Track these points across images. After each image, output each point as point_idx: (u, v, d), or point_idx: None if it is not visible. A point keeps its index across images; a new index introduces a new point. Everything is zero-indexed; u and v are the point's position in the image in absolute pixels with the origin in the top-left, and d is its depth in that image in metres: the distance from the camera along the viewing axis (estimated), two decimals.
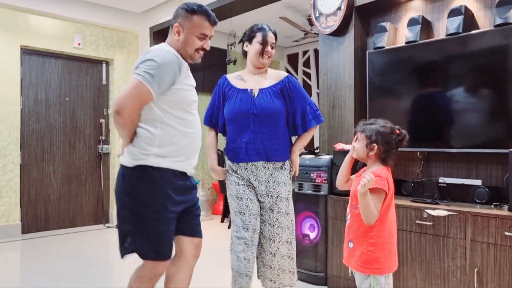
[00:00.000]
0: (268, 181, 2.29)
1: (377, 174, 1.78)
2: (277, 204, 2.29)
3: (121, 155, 1.91)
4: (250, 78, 2.36)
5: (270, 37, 2.31)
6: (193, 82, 1.97)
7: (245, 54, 2.39)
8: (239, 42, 2.44)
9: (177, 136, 1.84)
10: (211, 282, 3.28)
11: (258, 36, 2.30)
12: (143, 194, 1.78)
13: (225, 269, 3.63)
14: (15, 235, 4.70)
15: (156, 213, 1.79)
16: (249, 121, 2.26)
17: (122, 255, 1.87)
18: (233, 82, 2.38)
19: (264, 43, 2.29)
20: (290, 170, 2.36)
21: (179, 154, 1.85)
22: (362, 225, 1.80)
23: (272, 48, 2.33)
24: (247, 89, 2.31)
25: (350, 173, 2.03)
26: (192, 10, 1.88)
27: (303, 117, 2.33)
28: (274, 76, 2.37)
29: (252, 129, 2.25)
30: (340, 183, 2.05)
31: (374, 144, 1.85)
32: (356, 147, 1.91)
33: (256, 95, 2.28)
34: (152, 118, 1.81)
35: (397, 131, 1.89)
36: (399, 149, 1.83)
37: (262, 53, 2.29)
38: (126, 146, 1.85)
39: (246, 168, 2.29)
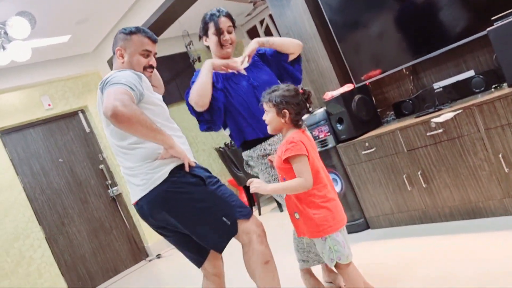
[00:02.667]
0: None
1: (290, 140, 1.73)
2: None
3: (162, 157, 1.82)
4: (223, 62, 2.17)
5: (223, 22, 2.13)
6: (158, 96, 1.96)
7: (209, 49, 2.25)
8: (199, 39, 2.27)
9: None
10: None
11: (211, 27, 2.14)
12: (189, 190, 1.82)
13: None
14: None
15: (213, 185, 1.86)
16: (253, 98, 2.09)
17: (223, 248, 1.90)
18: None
19: (218, 32, 2.12)
20: None
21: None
22: (297, 193, 1.76)
23: (230, 33, 2.15)
24: (234, 73, 2.15)
25: None
26: (130, 32, 1.93)
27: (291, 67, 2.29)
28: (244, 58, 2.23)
29: (257, 100, 2.06)
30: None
31: (285, 110, 1.77)
32: (268, 119, 1.82)
33: (246, 73, 2.15)
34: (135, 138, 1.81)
35: (301, 91, 1.83)
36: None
37: (220, 43, 2.14)
38: (164, 141, 1.76)
39: (271, 144, 2.10)
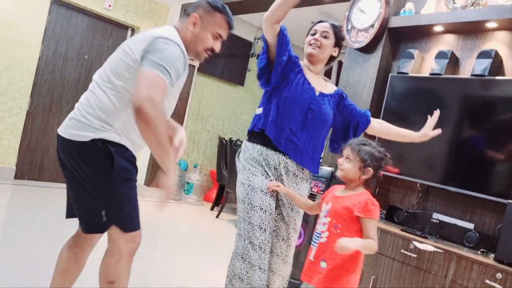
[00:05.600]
0: (296, 178, 2.06)
1: (373, 202, 1.72)
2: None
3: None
4: (309, 74, 2.10)
5: (322, 26, 2.08)
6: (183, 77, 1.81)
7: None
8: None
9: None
10: (193, 268, 3.29)
11: (311, 27, 2.13)
12: (105, 166, 1.65)
13: (207, 257, 3.65)
14: (7, 178, 4.73)
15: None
16: (303, 113, 2.01)
17: (83, 231, 1.76)
18: (302, 67, 2.11)
19: (311, 32, 2.10)
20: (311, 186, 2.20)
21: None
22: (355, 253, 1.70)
23: (324, 37, 2.05)
24: (310, 83, 2.07)
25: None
26: (216, 7, 1.79)
27: (354, 131, 2.19)
28: (330, 86, 2.18)
29: (303, 123, 2.01)
30: (308, 210, 2.01)
31: (369, 168, 1.75)
32: (345, 167, 1.78)
33: (317, 94, 2.07)
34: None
35: (385, 155, 1.81)
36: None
37: (309, 41, 2.08)
38: (163, 163, 1.55)
39: (279, 160, 2.00)
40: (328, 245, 1.75)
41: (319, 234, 1.80)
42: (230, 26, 1.84)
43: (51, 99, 5.02)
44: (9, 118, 4.68)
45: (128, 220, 1.67)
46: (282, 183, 2.02)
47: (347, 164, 1.79)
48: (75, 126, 1.65)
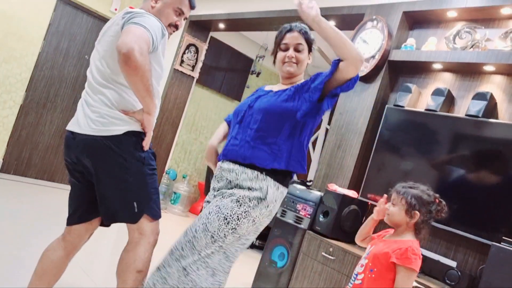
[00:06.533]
0: (231, 182, 1.75)
1: (414, 251, 1.64)
2: (223, 195, 1.75)
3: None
4: (279, 86, 1.92)
5: (292, 38, 1.82)
6: (164, 54, 1.86)
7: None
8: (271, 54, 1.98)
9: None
10: None
11: (279, 41, 1.87)
12: (128, 159, 1.71)
13: None
14: None
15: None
16: (242, 115, 1.84)
17: (110, 223, 1.82)
18: (268, 88, 1.96)
19: (278, 45, 1.86)
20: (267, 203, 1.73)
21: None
22: None
23: (297, 51, 1.83)
24: (271, 90, 1.90)
25: (372, 232, 1.93)
26: None
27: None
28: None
29: (242, 124, 1.81)
30: (358, 239, 1.95)
31: (417, 212, 1.70)
32: (391, 211, 1.74)
33: (264, 93, 1.90)
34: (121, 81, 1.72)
35: (437, 200, 1.76)
36: None
37: (282, 59, 1.85)
38: (148, 106, 1.65)
39: (221, 168, 1.82)
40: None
41: (356, 275, 1.75)
42: (190, 3, 1.92)
43: (46, 95, 4.99)
44: (2, 111, 4.64)
45: (156, 208, 1.79)
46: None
47: (392, 208, 1.75)
48: (103, 122, 1.69)
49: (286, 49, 1.84)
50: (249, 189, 1.70)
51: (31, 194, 4.40)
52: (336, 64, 1.72)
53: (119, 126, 1.68)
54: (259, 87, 2.03)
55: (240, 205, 1.68)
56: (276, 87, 1.93)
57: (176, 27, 1.91)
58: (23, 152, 4.92)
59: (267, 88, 1.95)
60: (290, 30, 1.84)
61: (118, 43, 1.53)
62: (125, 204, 1.72)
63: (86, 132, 1.70)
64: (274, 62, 1.93)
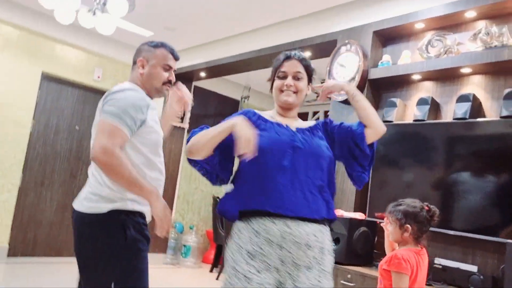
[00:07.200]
0: (310, 266, 1.56)
1: (396, 256, 1.84)
2: None
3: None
4: (280, 119, 1.75)
5: (291, 66, 1.70)
6: (157, 121, 1.90)
7: None
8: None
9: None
10: None
11: (277, 69, 1.74)
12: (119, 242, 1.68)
13: None
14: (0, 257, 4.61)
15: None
16: (289, 158, 1.59)
17: None
18: (264, 116, 1.76)
19: (275, 73, 1.74)
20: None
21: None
22: None
23: (296, 79, 1.70)
24: (282, 124, 1.72)
25: (393, 248, 2.11)
26: (155, 45, 1.93)
27: (359, 149, 1.75)
28: (309, 123, 1.82)
29: (294, 168, 1.58)
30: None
31: (408, 225, 1.90)
32: (390, 231, 1.97)
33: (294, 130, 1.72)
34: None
35: (426, 208, 1.93)
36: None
37: (280, 86, 1.71)
38: (146, 194, 1.64)
39: (277, 228, 1.52)
40: None
41: None
42: (174, 56, 1.97)
43: (43, 172, 5.02)
44: (1, 195, 4.65)
45: None
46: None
47: (389, 226, 1.98)
48: (92, 199, 1.71)
49: (284, 77, 1.71)
50: (329, 251, 1.63)
51: (42, 273, 4.33)
52: (363, 126, 1.76)
53: (103, 204, 1.68)
54: (246, 109, 1.84)
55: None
56: (280, 119, 1.75)
57: (170, 82, 1.96)
58: (28, 233, 4.89)
59: (266, 116, 1.75)
60: (288, 57, 1.72)
61: (92, 145, 1.65)
62: (101, 285, 1.67)
63: (76, 207, 1.74)
64: (271, 90, 1.78)
